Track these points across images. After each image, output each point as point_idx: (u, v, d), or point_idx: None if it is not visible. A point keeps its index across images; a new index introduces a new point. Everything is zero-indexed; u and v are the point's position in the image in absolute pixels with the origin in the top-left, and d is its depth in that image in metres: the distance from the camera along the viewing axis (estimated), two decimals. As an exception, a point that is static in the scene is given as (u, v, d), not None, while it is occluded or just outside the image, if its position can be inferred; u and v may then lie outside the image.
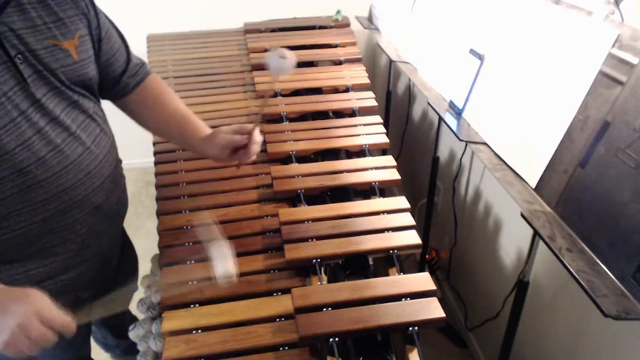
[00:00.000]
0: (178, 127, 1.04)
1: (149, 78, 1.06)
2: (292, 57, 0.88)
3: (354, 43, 1.86)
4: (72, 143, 0.85)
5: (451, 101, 1.35)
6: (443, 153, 1.78)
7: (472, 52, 1.26)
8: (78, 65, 0.86)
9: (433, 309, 0.84)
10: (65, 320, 0.72)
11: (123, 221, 1.11)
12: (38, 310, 0.70)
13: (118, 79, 1.00)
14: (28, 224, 0.82)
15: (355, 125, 1.43)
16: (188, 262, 1.00)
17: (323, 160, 1.35)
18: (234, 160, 1.00)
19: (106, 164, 0.94)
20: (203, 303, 0.92)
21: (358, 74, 1.68)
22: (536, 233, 0.88)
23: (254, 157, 1.00)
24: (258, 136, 0.97)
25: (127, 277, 1.33)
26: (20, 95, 0.76)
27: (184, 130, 1.03)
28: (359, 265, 1.02)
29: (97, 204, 0.92)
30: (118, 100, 1.04)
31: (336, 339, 0.80)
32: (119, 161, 1.05)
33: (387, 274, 0.96)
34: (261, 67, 1.72)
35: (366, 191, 1.20)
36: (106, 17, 0.97)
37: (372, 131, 1.40)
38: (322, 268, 0.97)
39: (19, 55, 0.76)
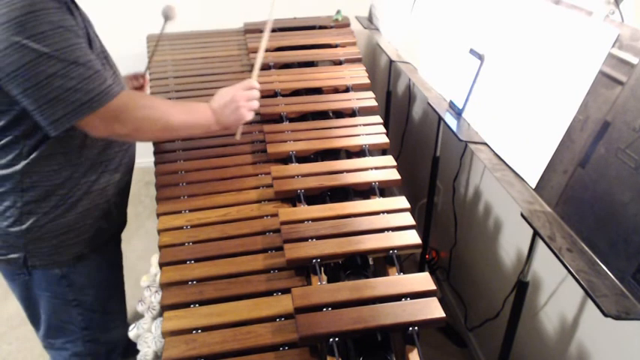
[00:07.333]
0: None
1: None
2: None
3: (354, 43, 1.86)
4: None
5: (451, 101, 1.35)
6: (443, 153, 1.78)
7: (472, 52, 1.26)
8: None
9: (433, 309, 0.84)
10: (250, 82, 1.19)
11: (131, 180, 1.26)
12: (238, 89, 1.16)
13: None
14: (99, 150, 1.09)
15: (355, 125, 1.42)
16: (188, 262, 1.00)
17: (323, 160, 1.35)
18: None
19: None
20: (203, 303, 0.92)
21: (358, 74, 1.68)
22: (536, 233, 0.88)
23: None
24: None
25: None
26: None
27: None
28: (359, 265, 1.02)
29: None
30: None
31: (336, 339, 0.81)
32: None
33: (387, 274, 0.96)
34: (261, 67, 1.72)
35: (365, 191, 1.20)
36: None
37: (372, 131, 1.40)
38: (322, 268, 0.97)
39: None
